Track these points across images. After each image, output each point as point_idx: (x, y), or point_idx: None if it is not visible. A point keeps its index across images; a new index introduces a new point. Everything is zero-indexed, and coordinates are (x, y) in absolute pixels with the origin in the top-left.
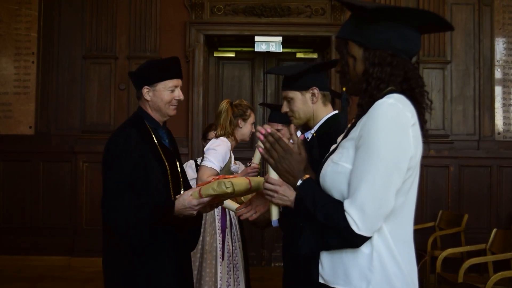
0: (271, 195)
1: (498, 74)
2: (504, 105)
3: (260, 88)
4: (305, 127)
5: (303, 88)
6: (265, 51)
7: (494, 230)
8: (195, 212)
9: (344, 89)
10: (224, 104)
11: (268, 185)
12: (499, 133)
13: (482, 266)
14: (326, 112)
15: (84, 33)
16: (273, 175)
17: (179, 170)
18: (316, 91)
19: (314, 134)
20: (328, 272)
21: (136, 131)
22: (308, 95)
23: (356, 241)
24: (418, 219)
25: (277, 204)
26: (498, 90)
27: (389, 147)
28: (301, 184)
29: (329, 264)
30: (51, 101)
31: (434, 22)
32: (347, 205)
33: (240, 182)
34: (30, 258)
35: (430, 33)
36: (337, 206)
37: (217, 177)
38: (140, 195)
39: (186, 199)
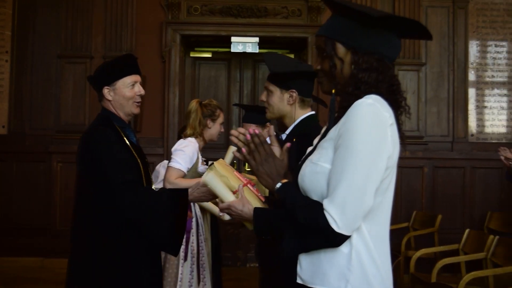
0: (231, 215)
1: (472, 76)
2: (477, 107)
3: (236, 88)
4: (282, 128)
5: (283, 87)
6: (241, 51)
7: (467, 230)
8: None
9: (333, 91)
10: (193, 104)
11: (223, 210)
12: (472, 135)
13: (455, 266)
14: (302, 114)
15: (59, 32)
16: (224, 198)
17: (148, 167)
18: (294, 94)
19: (294, 139)
20: (306, 272)
21: (110, 130)
22: (286, 95)
23: (336, 240)
24: (392, 219)
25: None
26: (471, 92)
27: (368, 146)
28: (280, 186)
29: (307, 264)
30: (25, 100)
31: (418, 31)
32: (326, 204)
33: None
34: (3, 260)
35: (408, 38)
36: (316, 206)
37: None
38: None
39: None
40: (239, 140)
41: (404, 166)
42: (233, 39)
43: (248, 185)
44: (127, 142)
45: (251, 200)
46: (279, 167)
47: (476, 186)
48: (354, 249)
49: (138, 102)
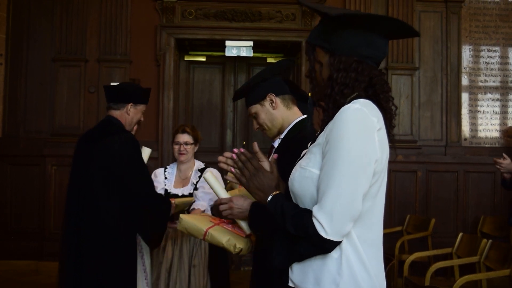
0: (228, 213)
1: (465, 81)
2: (470, 111)
3: (230, 92)
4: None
5: (260, 98)
6: (236, 55)
7: (460, 234)
8: None
9: (310, 94)
10: None
11: (222, 206)
12: (465, 139)
13: (448, 269)
14: (294, 116)
15: (54, 35)
16: (222, 194)
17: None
18: (273, 97)
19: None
20: (297, 276)
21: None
22: (267, 103)
23: (326, 246)
24: (386, 223)
25: (239, 218)
26: (464, 96)
27: (355, 151)
28: (270, 199)
29: (299, 268)
30: (19, 103)
31: (399, 29)
32: (315, 211)
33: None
34: None
35: (396, 39)
36: (305, 214)
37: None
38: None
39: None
40: (228, 164)
41: (397, 170)
42: (228, 43)
43: (222, 224)
44: None
45: (223, 234)
46: (269, 180)
47: (469, 190)
48: (344, 254)
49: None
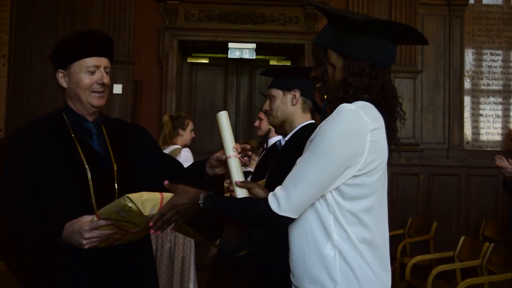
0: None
1: (467, 84)
2: (472, 115)
3: (233, 94)
4: (283, 134)
5: (286, 87)
6: (238, 57)
7: (462, 237)
8: (84, 242)
9: (325, 96)
10: (165, 118)
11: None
12: (467, 143)
13: (450, 273)
14: (303, 120)
15: (57, 37)
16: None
17: (115, 177)
18: (297, 93)
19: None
20: (297, 278)
21: (35, 129)
22: (289, 96)
23: (277, 224)
24: (388, 226)
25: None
26: (467, 100)
27: (333, 146)
28: (202, 199)
29: (296, 269)
30: (22, 104)
31: (410, 36)
32: (277, 189)
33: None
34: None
35: (405, 44)
36: (254, 198)
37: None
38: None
39: (81, 222)
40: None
41: (399, 173)
42: (230, 45)
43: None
44: (76, 143)
45: None
46: (181, 197)
47: (471, 194)
48: (339, 252)
49: (99, 92)
